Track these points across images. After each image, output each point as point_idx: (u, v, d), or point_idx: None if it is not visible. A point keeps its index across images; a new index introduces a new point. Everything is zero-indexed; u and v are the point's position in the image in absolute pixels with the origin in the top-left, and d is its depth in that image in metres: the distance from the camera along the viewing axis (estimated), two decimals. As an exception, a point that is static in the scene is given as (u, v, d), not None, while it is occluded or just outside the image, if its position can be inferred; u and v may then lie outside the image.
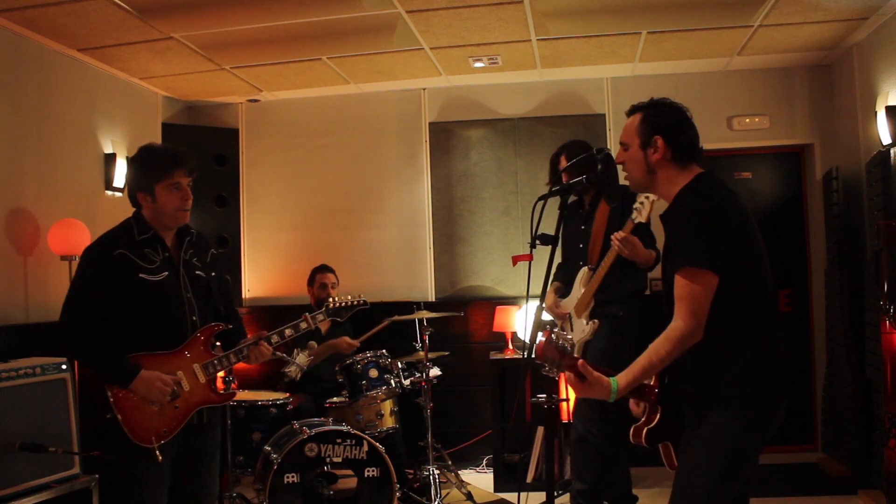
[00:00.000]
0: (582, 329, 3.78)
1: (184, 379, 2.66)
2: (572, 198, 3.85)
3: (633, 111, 2.31)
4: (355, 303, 3.12)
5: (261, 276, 5.94)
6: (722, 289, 2.06)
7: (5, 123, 4.06)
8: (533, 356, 2.07)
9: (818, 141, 5.41)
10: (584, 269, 3.84)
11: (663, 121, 2.23)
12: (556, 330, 2.12)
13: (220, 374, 2.83)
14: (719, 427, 2.11)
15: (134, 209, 2.75)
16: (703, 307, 2.05)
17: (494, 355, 5.11)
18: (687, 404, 2.21)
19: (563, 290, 4.02)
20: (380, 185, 5.85)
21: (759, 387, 2.11)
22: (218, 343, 2.85)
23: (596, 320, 3.75)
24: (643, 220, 3.39)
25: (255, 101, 5.94)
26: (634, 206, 3.39)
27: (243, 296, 5.89)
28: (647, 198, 3.33)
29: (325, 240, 5.82)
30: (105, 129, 4.92)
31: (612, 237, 3.55)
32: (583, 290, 3.82)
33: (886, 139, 4.24)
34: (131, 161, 2.75)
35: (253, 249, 5.95)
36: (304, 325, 2.92)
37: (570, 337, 2.19)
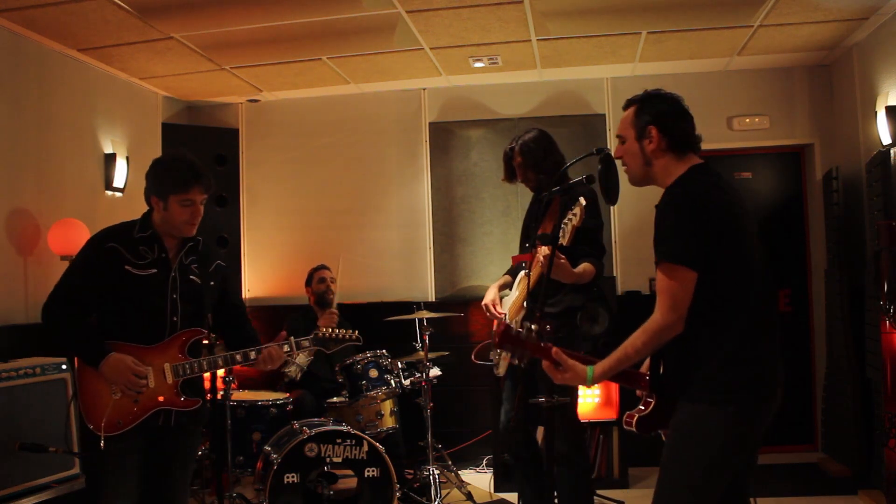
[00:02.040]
0: None
1: (151, 375, 2.62)
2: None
3: (628, 105, 2.33)
4: (347, 337, 3.03)
5: (261, 275, 5.94)
6: (703, 283, 2.06)
7: (5, 123, 4.06)
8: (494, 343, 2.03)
9: (818, 141, 5.41)
10: (522, 273, 3.46)
11: (656, 111, 2.25)
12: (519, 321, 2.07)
13: (221, 373, 2.80)
14: (697, 420, 2.10)
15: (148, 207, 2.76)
16: (683, 301, 2.06)
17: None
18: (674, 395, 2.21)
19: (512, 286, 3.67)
20: (380, 185, 5.85)
21: (741, 381, 2.09)
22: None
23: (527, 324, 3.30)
24: (565, 243, 2.98)
25: (255, 101, 5.94)
26: (561, 225, 2.93)
27: (243, 296, 5.88)
28: (574, 215, 2.90)
29: (325, 240, 5.82)
30: (105, 129, 4.92)
31: (538, 253, 3.18)
32: (517, 294, 3.51)
33: (886, 139, 4.24)
34: (153, 164, 2.74)
35: (253, 249, 5.95)
36: (285, 348, 2.87)
37: (527, 323, 2.14)
